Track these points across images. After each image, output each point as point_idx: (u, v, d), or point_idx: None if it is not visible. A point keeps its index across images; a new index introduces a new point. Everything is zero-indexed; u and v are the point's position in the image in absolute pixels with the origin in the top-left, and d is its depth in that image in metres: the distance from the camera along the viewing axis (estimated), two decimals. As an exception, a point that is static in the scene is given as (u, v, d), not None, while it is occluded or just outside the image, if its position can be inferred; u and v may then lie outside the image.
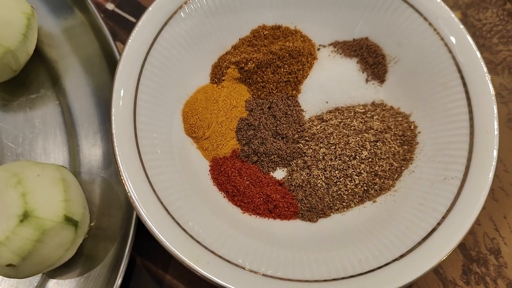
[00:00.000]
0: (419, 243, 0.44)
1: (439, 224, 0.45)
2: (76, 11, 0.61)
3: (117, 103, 0.46)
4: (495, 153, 0.46)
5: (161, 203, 0.45)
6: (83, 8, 0.60)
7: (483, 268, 0.54)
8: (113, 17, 0.65)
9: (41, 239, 0.43)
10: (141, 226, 0.45)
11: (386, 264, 0.44)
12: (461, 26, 0.51)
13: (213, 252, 0.43)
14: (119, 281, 0.48)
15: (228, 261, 0.43)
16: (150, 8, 0.51)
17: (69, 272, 0.51)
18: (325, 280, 0.43)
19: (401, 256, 0.44)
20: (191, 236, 0.44)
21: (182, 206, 0.46)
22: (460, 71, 0.50)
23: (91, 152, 0.56)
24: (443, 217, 0.45)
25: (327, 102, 0.57)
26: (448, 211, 0.45)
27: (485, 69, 0.49)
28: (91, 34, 0.60)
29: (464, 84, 0.49)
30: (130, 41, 0.49)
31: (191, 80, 0.55)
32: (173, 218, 0.44)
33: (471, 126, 0.48)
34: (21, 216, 0.42)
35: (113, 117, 0.46)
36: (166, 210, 0.44)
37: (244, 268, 0.43)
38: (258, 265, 0.44)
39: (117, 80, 0.47)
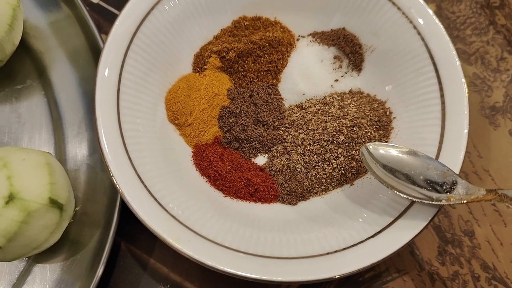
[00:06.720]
0: (392, 222, 0.46)
1: (411, 204, 0.46)
2: (62, 4, 0.62)
3: (101, 87, 0.48)
4: (465, 133, 0.48)
5: (144, 184, 0.46)
6: (68, 2, 0.61)
7: (457, 249, 0.56)
8: (98, 10, 0.66)
9: (26, 221, 0.44)
10: (126, 211, 0.46)
11: (361, 242, 0.45)
12: (433, 15, 0.53)
13: (194, 232, 0.44)
14: (102, 264, 0.49)
15: (209, 240, 0.44)
16: (133, -2, 0.52)
17: (55, 257, 0.52)
18: (302, 257, 0.44)
19: (376, 234, 0.45)
20: (173, 216, 0.45)
21: (163, 188, 0.47)
22: (432, 57, 0.52)
23: (76, 141, 0.57)
24: (416, 197, 0.47)
25: (305, 92, 0.58)
26: (421, 191, 0.47)
27: (455, 55, 0.51)
28: (76, 27, 0.61)
29: (436, 70, 0.51)
30: (113, 30, 0.50)
31: (173, 69, 0.57)
32: (155, 199, 0.45)
33: (443, 109, 0.50)
34: (6, 198, 0.43)
35: (97, 102, 0.47)
36: (149, 191, 0.45)
37: (224, 246, 0.44)
38: (238, 244, 0.45)
39: (100, 66, 0.49)
